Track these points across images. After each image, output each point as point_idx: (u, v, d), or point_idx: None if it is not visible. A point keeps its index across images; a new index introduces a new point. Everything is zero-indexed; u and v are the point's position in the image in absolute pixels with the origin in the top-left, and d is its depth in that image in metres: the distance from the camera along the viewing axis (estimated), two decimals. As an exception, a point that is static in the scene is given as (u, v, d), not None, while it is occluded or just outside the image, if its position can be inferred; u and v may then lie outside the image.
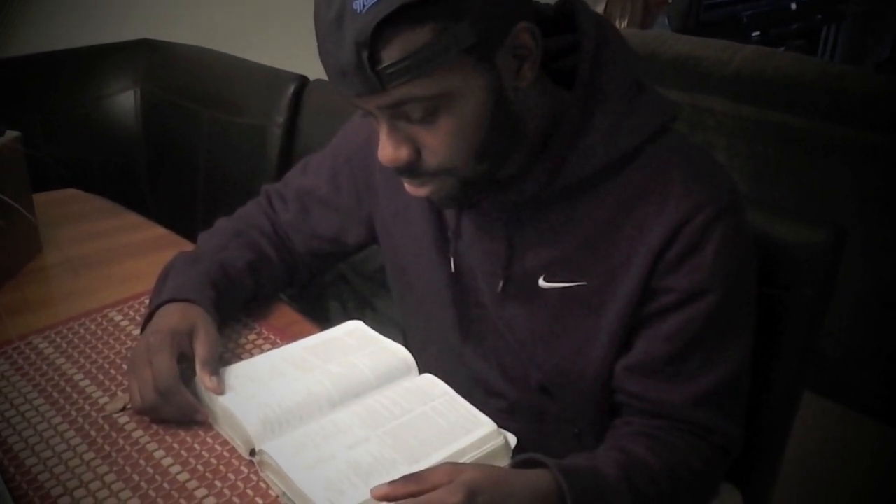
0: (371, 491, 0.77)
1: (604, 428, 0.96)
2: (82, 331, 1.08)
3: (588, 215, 0.90)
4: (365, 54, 0.74)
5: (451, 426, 0.88)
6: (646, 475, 0.86)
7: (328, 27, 0.76)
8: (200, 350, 0.94)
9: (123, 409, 0.93)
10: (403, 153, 0.82)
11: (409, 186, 0.88)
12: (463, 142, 0.82)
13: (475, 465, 0.80)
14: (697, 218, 0.86)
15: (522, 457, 0.84)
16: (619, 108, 0.88)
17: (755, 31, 3.95)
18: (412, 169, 0.84)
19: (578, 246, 0.91)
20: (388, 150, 0.82)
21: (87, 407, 0.94)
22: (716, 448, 0.92)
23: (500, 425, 0.89)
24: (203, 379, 0.92)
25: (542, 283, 0.93)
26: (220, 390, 0.92)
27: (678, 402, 0.91)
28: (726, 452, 0.94)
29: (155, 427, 0.91)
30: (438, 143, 0.82)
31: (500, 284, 0.96)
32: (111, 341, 1.06)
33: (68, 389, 0.97)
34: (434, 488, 0.75)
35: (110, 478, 0.84)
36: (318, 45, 0.79)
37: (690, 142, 0.92)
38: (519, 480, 0.80)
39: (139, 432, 0.90)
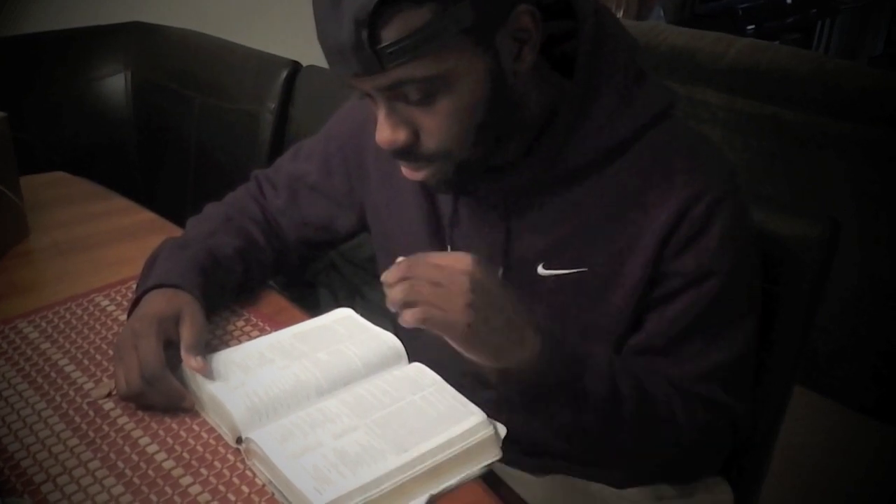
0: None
1: None
2: (68, 315, 1.07)
3: (588, 201, 0.90)
4: (364, 33, 0.73)
5: (441, 416, 0.87)
6: (632, 381, 0.88)
7: (327, 6, 0.75)
8: (186, 334, 0.93)
9: (108, 395, 0.92)
10: (401, 136, 0.82)
11: (405, 170, 0.88)
12: (461, 124, 0.81)
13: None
14: (701, 202, 0.86)
15: None
16: (618, 93, 0.88)
17: (750, 24, 3.94)
18: (409, 152, 0.83)
19: (578, 232, 0.90)
20: (385, 133, 0.82)
21: (71, 393, 0.93)
22: (717, 417, 0.93)
23: (489, 416, 0.89)
24: (188, 361, 0.91)
25: (541, 270, 0.93)
26: (205, 370, 0.91)
27: (680, 376, 0.92)
28: (730, 425, 0.94)
29: (140, 414, 0.90)
30: (436, 126, 0.81)
31: (500, 272, 0.95)
32: (97, 326, 1.05)
33: (53, 375, 0.96)
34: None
35: (94, 465, 0.83)
36: (316, 25, 0.78)
37: (688, 127, 0.93)
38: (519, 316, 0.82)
39: (124, 419, 0.89)
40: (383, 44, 0.74)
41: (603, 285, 0.91)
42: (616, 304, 0.91)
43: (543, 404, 0.86)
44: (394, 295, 0.78)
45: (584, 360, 0.86)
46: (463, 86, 0.79)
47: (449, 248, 0.99)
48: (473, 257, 0.78)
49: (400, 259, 0.79)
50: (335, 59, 0.78)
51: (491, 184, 0.92)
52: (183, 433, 0.88)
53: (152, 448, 0.85)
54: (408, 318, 0.77)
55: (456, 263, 0.77)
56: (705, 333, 0.91)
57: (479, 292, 0.77)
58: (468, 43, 0.77)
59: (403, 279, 0.77)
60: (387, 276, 0.79)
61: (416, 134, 0.82)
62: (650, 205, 0.88)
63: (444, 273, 0.77)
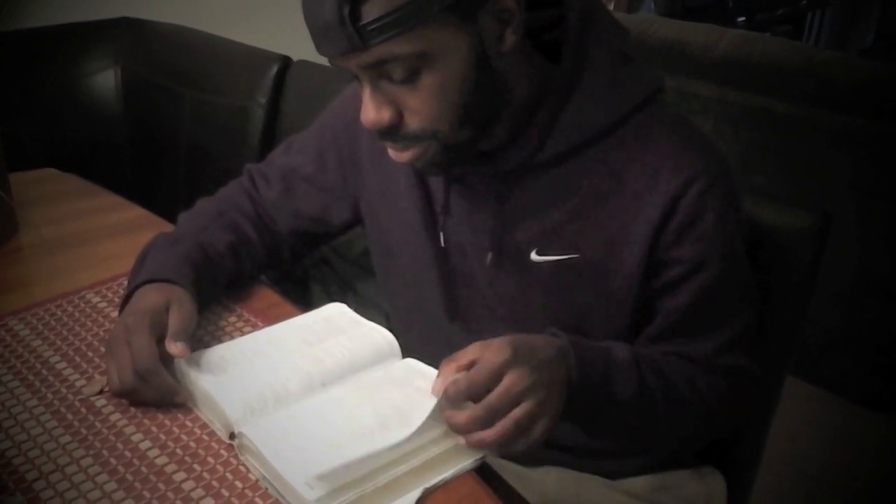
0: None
1: None
2: (59, 312, 1.07)
3: (578, 186, 0.90)
4: (346, 10, 0.74)
5: (434, 409, 0.87)
6: (654, 369, 0.90)
7: None
8: (172, 322, 0.92)
9: (101, 391, 0.92)
10: (385, 115, 0.83)
11: (391, 152, 0.88)
12: (444, 103, 0.82)
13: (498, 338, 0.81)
14: (693, 189, 0.87)
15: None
16: (605, 77, 0.89)
17: (741, 16, 3.94)
18: (394, 132, 0.84)
19: (569, 217, 0.91)
20: (370, 112, 0.83)
21: (63, 390, 0.92)
22: (740, 381, 0.96)
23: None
24: (169, 346, 0.90)
25: (534, 256, 0.94)
26: (186, 355, 0.90)
27: (702, 353, 0.94)
28: (751, 384, 0.98)
29: (133, 410, 0.89)
30: (420, 105, 0.82)
31: (489, 257, 0.95)
32: (88, 323, 1.05)
33: (44, 372, 0.95)
34: (472, 363, 0.78)
35: (87, 462, 0.82)
36: (302, 5, 0.79)
37: (675, 111, 0.94)
38: (539, 339, 0.84)
39: (117, 415, 0.89)
40: (365, 20, 0.75)
41: (597, 271, 0.92)
42: (613, 291, 0.92)
43: (581, 412, 0.87)
44: (486, 441, 0.79)
45: (609, 363, 0.87)
46: (446, 64, 0.80)
47: (442, 235, 0.99)
48: (507, 358, 0.78)
49: (441, 390, 0.80)
50: (320, 38, 0.79)
51: (481, 169, 0.93)
52: (176, 429, 0.87)
53: (145, 444, 0.85)
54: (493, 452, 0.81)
55: (512, 387, 0.77)
56: (717, 312, 0.93)
57: (539, 393, 0.79)
58: (451, 20, 0.77)
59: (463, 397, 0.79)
60: (456, 417, 0.80)
61: (400, 114, 0.83)
62: (640, 191, 0.88)
63: (507, 398, 0.77)
